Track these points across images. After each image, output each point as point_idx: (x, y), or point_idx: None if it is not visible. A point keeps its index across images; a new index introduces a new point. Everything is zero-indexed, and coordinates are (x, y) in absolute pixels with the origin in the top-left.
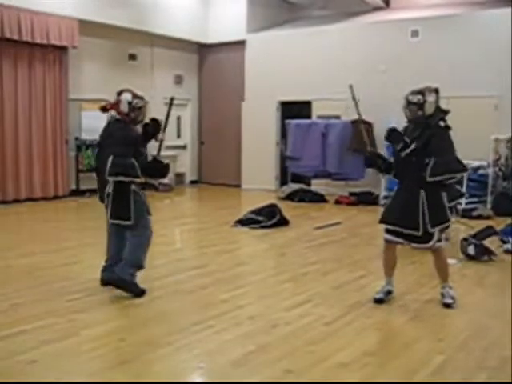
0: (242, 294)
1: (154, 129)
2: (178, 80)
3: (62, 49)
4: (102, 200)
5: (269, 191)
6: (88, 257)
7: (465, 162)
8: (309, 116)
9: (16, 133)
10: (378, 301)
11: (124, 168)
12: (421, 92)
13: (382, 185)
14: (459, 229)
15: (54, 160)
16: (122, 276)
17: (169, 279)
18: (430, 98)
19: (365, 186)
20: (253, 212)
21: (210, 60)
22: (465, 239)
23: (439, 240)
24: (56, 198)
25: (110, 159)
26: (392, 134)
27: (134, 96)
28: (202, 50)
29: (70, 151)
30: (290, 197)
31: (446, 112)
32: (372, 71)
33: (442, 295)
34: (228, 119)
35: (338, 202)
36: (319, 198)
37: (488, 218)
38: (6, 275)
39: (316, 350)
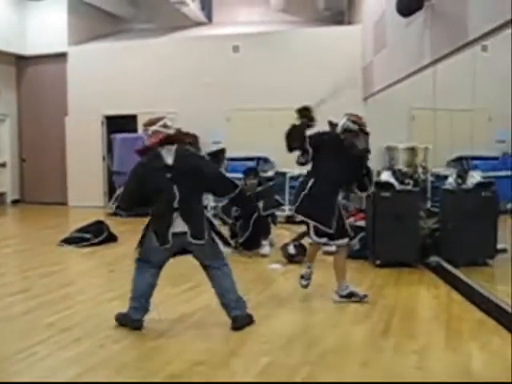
0: (69, 316)
1: None
2: None
3: None
4: (199, 237)
5: (97, 207)
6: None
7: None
8: (135, 130)
9: None
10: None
11: None
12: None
13: (209, 196)
14: (283, 234)
15: None
16: None
17: None
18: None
19: None
20: (80, 230)
21: (30, 73)
22: (285, 244)
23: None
24: None
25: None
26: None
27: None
28: (21, 61)
29: None
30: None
31: (334, 125)
32: (196, 85)
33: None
34: (51, 134)
35: None
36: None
37: None
38: None
39: (146, 366)
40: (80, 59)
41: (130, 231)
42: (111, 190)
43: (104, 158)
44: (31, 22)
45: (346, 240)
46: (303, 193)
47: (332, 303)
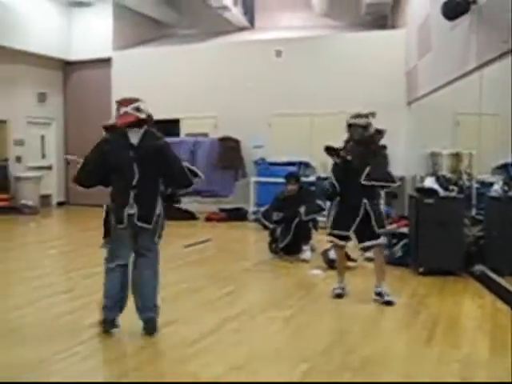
0: None
1: None
2: (42, 98)
3: None
4: (146, 221)
5: None
6: None
7: None
8: (177, 134)
9: None
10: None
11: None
12: (365, 115)
13: (251, 200)
14: (325, 240)
15: None
16: None
17: (32, 306)
18: (372, 120)
19: (235, 202)
20: None
21: (75, 77)
22: (326, 249)
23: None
24: None
25: (186, 165)
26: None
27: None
28: (67, 67)
29: None
30: None
31: (382, 132)
32: (238, 90)
33: (380, 294)
34: (95, 138)
35: (208, 219)
36: (189, 216)
37: None
38: None
39: (184, 370)
40: (124, 64)
41: (171, 234)
42: None
43: None
44: (77, 28)
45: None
46: None
47: (374, 310)
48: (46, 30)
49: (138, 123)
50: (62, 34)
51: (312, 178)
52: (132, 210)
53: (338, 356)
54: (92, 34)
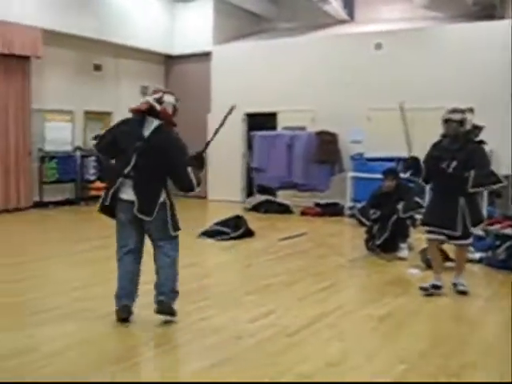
0: (206, 307)
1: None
2: (144, 91)
3: (25, 58)
4: (146, 213)
5: (235, 202)
6: (47, 271)
7: None
8: (274, 127)
9: None
10: (423, 289)
11: (199, 179)
12: (461, 111)
13: (347, 196)
14: (423, 238)
15: (16, 171)
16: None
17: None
18: (469, 116)
19: (330, 197)
20: (218, 223)
21: (176, 71)
22: (424, 248)
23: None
24: (18, 210)
25: (190, 170)
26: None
27: (177, 99)
28: (168, 61)
29: (33, 163)
30: (255, 208)
31: (480, 128)
32: (337, 83)
33: (455, 285)
34: (194, 131)
35: (303, 213)
36: (285, 209)
37: None
38: None
39: (279, 362)
40: (223, 58)
41: (267, 227)
42: (249, 185)
43: (244, 155)
44: (179, 23)
45: None
46: None
47: (474, 313)
48: (150, 25)
49: (149, 112)
50: (164, 29)
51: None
52: (125, 195)
53: (436, 359)
54: (193, 29)
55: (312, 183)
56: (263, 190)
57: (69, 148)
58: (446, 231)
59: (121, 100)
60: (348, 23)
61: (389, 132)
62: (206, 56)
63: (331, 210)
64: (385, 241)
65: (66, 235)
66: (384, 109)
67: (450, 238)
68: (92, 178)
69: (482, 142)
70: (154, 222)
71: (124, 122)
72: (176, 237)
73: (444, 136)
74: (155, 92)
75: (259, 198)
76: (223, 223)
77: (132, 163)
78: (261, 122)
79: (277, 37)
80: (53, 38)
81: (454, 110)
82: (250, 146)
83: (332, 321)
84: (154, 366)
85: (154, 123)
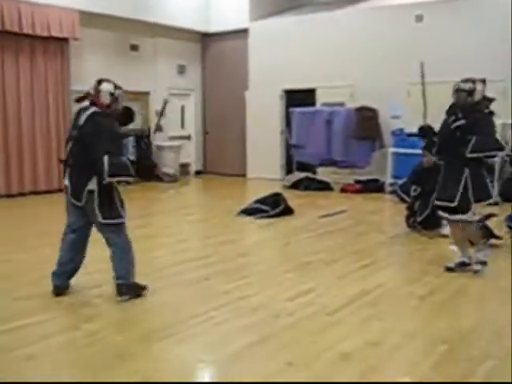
0: (245, 285)
1: (126, 118)
2: (181, 70)
3: (64, 40)
4: (77, 198)
5: (274, 180)
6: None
7: None
8: (313, 104)
9: (19, 126)
10: (449, 269)
11: (122, 168)
12: (472, 80)
13: (388, 172)
14: None
15: (57, 152)
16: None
17: (170, 270)
18: (479, 86)
19: (371, 173)
20: (257, 201)
21: (213, 49)
22: None
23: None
24: (60, 190)
25: (106, 159)
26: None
27: (116, 86)
28: (205, 39)
29: None
30: (295, 185)
31: (491, 100)
32: (376, 57)
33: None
34: (232, 108)
35: (343, 190)
36: (325, 186)
37: (496, 204)
38: (6, 269)
39: (318, 341)
40: (261, 34)
41: (306, 204)
42: (289, 163)
43: (282, 132)
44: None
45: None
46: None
47: None
48: (186, 3)
49: (82, 100)
50: (200, 6)
51: None
52: (65, 181)
53: (479, 341)
54: (229, 5)
55: (352, 160)
56: (302, 167)
57: None
58: (445, 203)
59: (158, 80)
60: None
61: (430, 107)
62: (242, 33)
63: (371, 187)
64: (426, 217)
65: None
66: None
67: (449, 212)
68: (131, 157)
69: (491, 112)
70: (85, 207)
71: (75, 114)
72: (111, 224)
73: (451, 106)
74: (97, 81)
75: (298, 175)
76: (262, 201)
77: (69, 150)
78: (299, 98)
79: (314, 11)
80: (90, 19)
81: (465, 80)
82: (288, 123)
83: (372, 299)
84: (192, 347)
85: (88, 111)
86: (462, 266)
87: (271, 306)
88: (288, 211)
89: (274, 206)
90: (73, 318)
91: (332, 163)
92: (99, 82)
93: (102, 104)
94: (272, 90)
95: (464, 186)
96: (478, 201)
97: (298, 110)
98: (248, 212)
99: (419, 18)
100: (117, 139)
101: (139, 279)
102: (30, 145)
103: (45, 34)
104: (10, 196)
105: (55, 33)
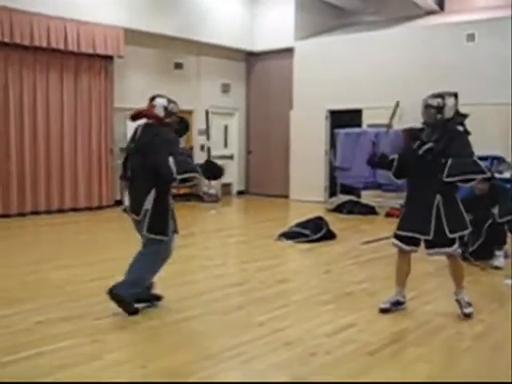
0: (281, 316)
1: (182, 128)
2: (225, 89)
3: (108, 58)
4: (136, 213)
5: (317, 202)
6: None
7: None
8: (359, 125)
9: (61, 142)
10: (384, 311)
11: (188, 165)
12: (440, 95)
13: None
14: None
15: (98, 170)
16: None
17: (204, 297)
18: (450, 101)
19: None
20: (298, 225)
21: (258, 68)
22: None
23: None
24: (100, 208)
25: (171, 160)
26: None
27: (169, 101)
28: (250, 58)
29: (115, 161)
30: (338, 208)
31: (464, 116)
32: (424, 78)
33: (459, 303)
34: (276, 128)
35: (389, 215)
36: (369, 210)
37: None
38: (36, 289)
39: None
40: (306, 54)
41: (349, 229)
42: (332, 185)
43: (326, 153)
44: (260, 19)
45: None
46: None
47: None
48: (231, 21)
49: (139, 115)
50: (245, 25)
51: (507, 175)
52: (126, 201)
53: None
54: (274, 25)
55: (397, 183)
56: (347, 189)
57: None
58: (417, 235)
59: (202, 98)
60: (437, 14)
61: (480, 130)
62: (287, 52)
63: None
64: (478, 247)
65: None
66: (475, 104)
67: (429, 246)
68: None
69: (466, 131)
70: (140, 222)
71: (134, 130)
72: (153, 240)
73: (424, 124)
74: (151, 98)
75: (342, 198)
76: (303, 224)
77: (130, 165)
78: (345, 119)
79: (361, 30)
80: (134, 37)
81: (433, 95)
82: (333, 143)
83: (418, 338)
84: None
85: (144, 124)
86: (397, 304)
87: (307, 341)
88: (330, 236)
89: (315, 231)
90: (95, 346)
91: (377, 186)
92: (153, 98)
93: (156, 117)
94: (317, 110)
95: (437, 214)
96: (452, 232)
97: (342, 131)
98: (288, 236)
99: (471, 38)
100: (176, 143)
101: (180, 304)
102: (71, 161)
103: (90, 51)
104: (49, 212)
105: (100, 50)
